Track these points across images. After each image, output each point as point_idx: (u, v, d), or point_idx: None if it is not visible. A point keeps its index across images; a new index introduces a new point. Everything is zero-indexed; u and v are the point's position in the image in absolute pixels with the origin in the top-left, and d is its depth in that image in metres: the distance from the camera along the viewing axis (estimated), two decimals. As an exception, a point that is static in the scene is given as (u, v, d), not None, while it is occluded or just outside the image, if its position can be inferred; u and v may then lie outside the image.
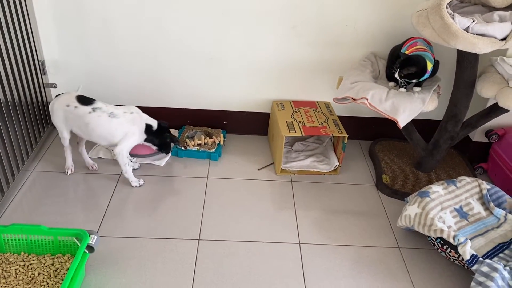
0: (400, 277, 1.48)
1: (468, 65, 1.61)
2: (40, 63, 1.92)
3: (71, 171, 1.82)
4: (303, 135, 1.85)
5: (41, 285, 1.31)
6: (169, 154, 1.96)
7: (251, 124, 2.17)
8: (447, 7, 1.40)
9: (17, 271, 1.34)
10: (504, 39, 1.41)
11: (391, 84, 1.77)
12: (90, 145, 1.94)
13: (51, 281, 1.33)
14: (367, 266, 1.50)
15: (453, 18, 1.39)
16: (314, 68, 2.01)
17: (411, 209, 1.54)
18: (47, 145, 1.99)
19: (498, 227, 1.59)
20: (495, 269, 1.32)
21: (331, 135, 1.87)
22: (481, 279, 1.32)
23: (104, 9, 1.83)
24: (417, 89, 1.71)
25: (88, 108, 1.64)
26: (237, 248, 1.53)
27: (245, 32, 1.90)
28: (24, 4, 1.74)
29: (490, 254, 1.51)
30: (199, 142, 2.00)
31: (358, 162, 2.06)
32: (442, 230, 1.43)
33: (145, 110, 1.77)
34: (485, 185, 1.64)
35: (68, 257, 1.40)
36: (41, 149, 1.96)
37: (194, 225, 1.62)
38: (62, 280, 1.32)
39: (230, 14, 1.86)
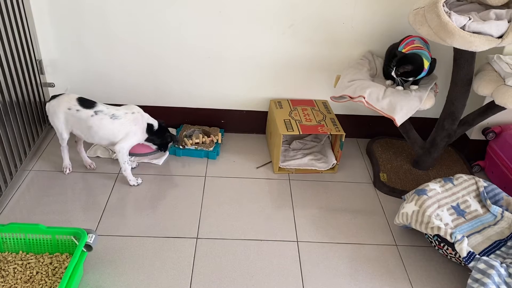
0: (397, 274, 1.48)
1: (464, 63, 1.62)
2: (37, 62, 1.92)
3: (69, 170, 1.82)
4: (301, 133, 1.86)
5: (40, 284, 1.31)
6: (167, 153, 1.97)
7: (249, 123, 2.17)
8: (443, 5, 1.40)
9: (16, 270, 1.35)
10: (500, 37, 1.41)
11: (388, 82, 1.77)
12: (88, 144, 1.93)
13: (49, 280, 1.33)
14: (365, 264, 1.51)
15: (449, 16, 1.39)
16: (311, 67, 2.01)
17: (409, 207, 1.54)
18: (45, 144, 1.99)
19: (495, 224, 1.60)
20: (492, 266, 1.33)
21: (329, 133, 1.87)
22: (478, 276, 1.33)
23: (102, 8, 1.83)
24: (414, 87, 1.71)
25: (90, 112, 1.64)
26: (235, 246, 1.54)
27: (242, 30, 1.90)
28: (21, 3, 1.74)
29: (487, 251, 1.51)
30: (197, 141, 2.00)
31: (355, 160, 2.06)
32: (439, 228, 1.44)
33: (143, 109, 1.77)
34: (482, 183, 1.65)
35: (66, 256, 1.40)
36: (39, 148, 1.96)
37: (192, 223, 1.62)
38: (60, 279, 1.32)
39: (228, 13, 1.86)
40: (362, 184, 1.91)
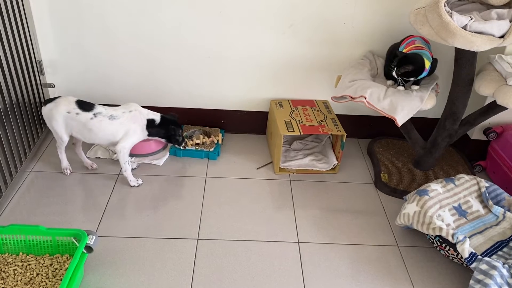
0: (399, 275, 1.48)
1: (466, 63, 1.61)
2: (37, 63, 1.91)
3: (69, 170, 1.82)
4: (302, 134, 1.85)
5: (40, 286, 1.31)
6: (167, 154, 1.97)
7: (249, 123, 2.17)
8: (445, 5, 1.39)
9: (16, 271, 1.34)
10: (502, 36, 1.41)
11: (389, 82, 1.77)
12: (87, 144, 1.93)
13: (49, 281, 1.32)
14: (366, 265, 1.51)
15: (451, 16, 1.39)
16: (312, 67, 2.01)
17: (410, 207, 1.54)
18: (45, 145, 1.99)
19: (496, 225, 1.59)
20: (494, 267, 1.32)
21: (330, 133, 1.87)
22: (480, 277, 1.33)
23: (102, 9, 1.83)
24: (415, 87, 1.71)
25: (89, 114, 1.64)
26: (236, 247, 1.53)
27: (242, 30, 1.90)
28: (21, 3, 1.73)
29: (489, 252, 1.51)
30: (198, 141, 2.00)
31: (356, 161, 2.06)
32: (441, 228, 1.43)
33: (143, 109, 1.77)
34: (484, 183, 1.64)
35: (67, 257, 1.40)
36: (39, 149, 1.96)
37: (193, 224, 1.62)
38: (61, 280, 1.32)
39: (228, 13, 1.85)
40: (363, 184, 1.91)
